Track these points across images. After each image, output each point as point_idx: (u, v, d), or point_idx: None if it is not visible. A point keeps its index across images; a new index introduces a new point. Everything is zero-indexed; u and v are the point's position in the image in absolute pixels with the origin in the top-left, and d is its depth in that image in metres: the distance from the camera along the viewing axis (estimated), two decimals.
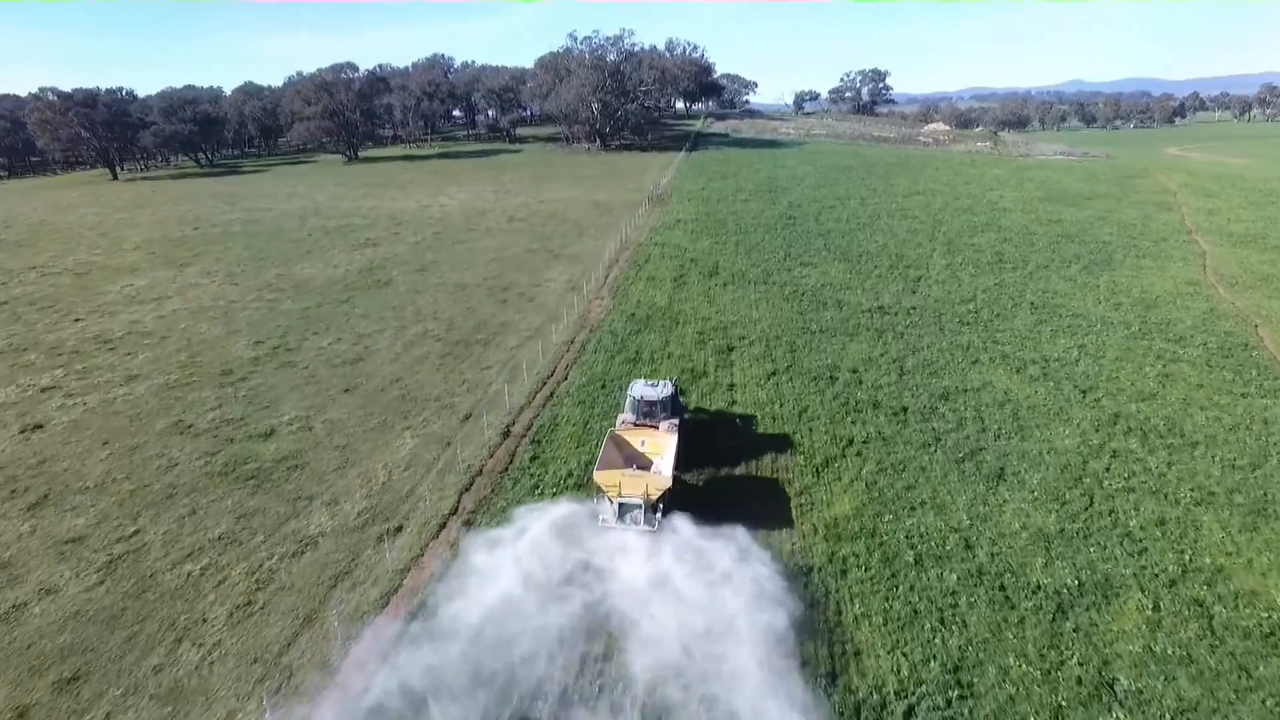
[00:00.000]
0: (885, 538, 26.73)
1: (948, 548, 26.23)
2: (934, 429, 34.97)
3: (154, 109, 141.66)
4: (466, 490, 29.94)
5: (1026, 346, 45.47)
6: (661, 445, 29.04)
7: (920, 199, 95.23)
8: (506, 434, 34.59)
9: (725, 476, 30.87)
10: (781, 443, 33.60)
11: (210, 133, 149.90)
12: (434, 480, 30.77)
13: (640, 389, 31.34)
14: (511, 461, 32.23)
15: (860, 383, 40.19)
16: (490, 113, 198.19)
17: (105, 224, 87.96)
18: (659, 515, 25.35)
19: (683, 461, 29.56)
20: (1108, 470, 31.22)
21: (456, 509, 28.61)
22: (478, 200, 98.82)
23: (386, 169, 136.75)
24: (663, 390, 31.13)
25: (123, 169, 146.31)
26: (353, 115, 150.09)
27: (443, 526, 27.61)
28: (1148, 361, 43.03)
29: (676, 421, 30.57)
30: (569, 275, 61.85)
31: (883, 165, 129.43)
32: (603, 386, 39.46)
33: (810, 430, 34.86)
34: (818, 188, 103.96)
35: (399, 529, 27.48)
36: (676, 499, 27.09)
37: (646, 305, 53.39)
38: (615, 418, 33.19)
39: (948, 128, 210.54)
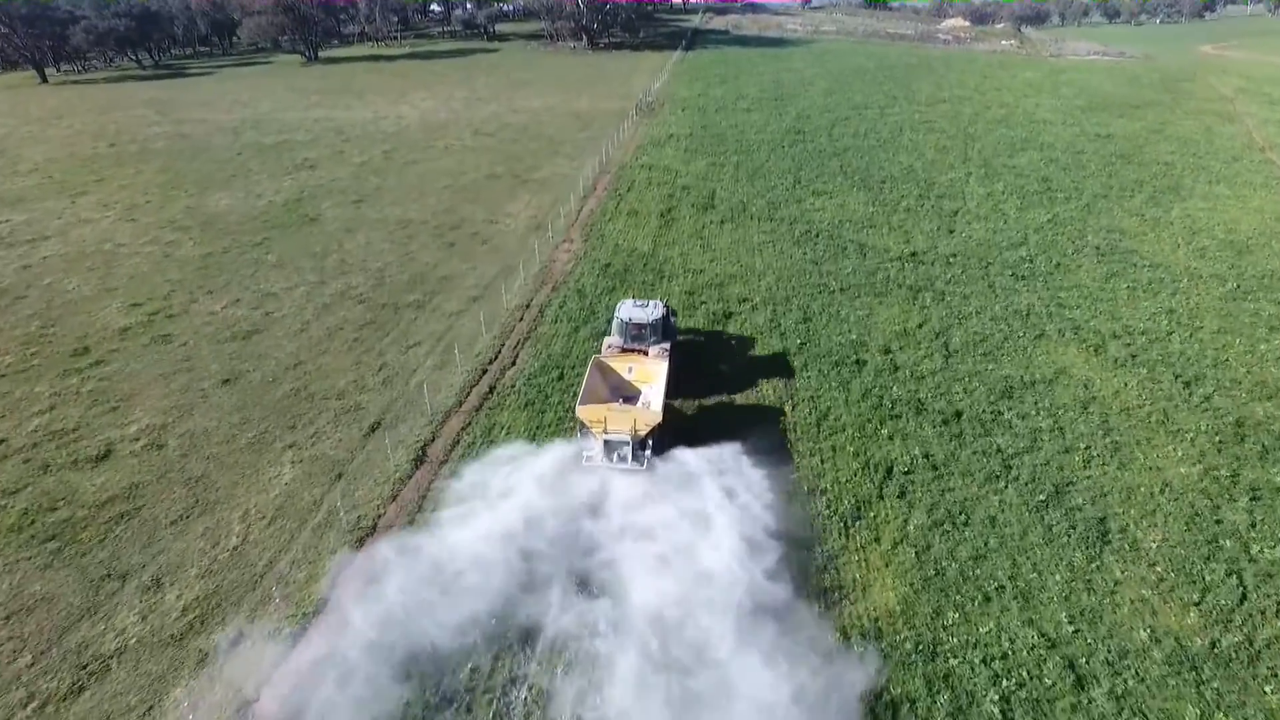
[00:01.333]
0: (954, 665, 17.83)
1: (1047, 683, 17.40)
2: (999, 449, 25.71)
3: (85, 2, 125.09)
4: (345, 564, 20.88)
5: (1101, 312, 35.64)
6: (651, 373, 26.51)
7: (946, 108, 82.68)
8: (420, 460, 25.28)
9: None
10: (795, 477, 24.42)
11: (151, 30, 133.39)
12: (305, 543, 21.68)
13: (628, 310, 28.51)
14: (420, 507, 23.06)
15: (895, 370, 30.66)
16: (468, 6, 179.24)
17: (9, 139, 75.71)
18: (648, 453, 23.01)
19: (674, 388, 26.79)
20: (1252, 526, 22.16)
21: (321, 608, 19.58)
22: (442, 109, 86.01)
23: (347, 71, 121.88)
24: (653, 312, 28.36)
25: (57, 70, 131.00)
26: (310, 9, 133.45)
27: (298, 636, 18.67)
28: (1259, 334, 33.38)
29: (668, 346, 28.02)
30: (535, 208, 51.10)
31: (901, 67, 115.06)
32: (560, 376, 29.90)
33: (834, 451, 25.59)
34: (829, 94, 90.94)
35: (237, 640, 18.54)
36: (668, 432, 24.06)
37: (625, 252, 43.07)
38: (598, 350, 29.07)
39: (967, 24, 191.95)
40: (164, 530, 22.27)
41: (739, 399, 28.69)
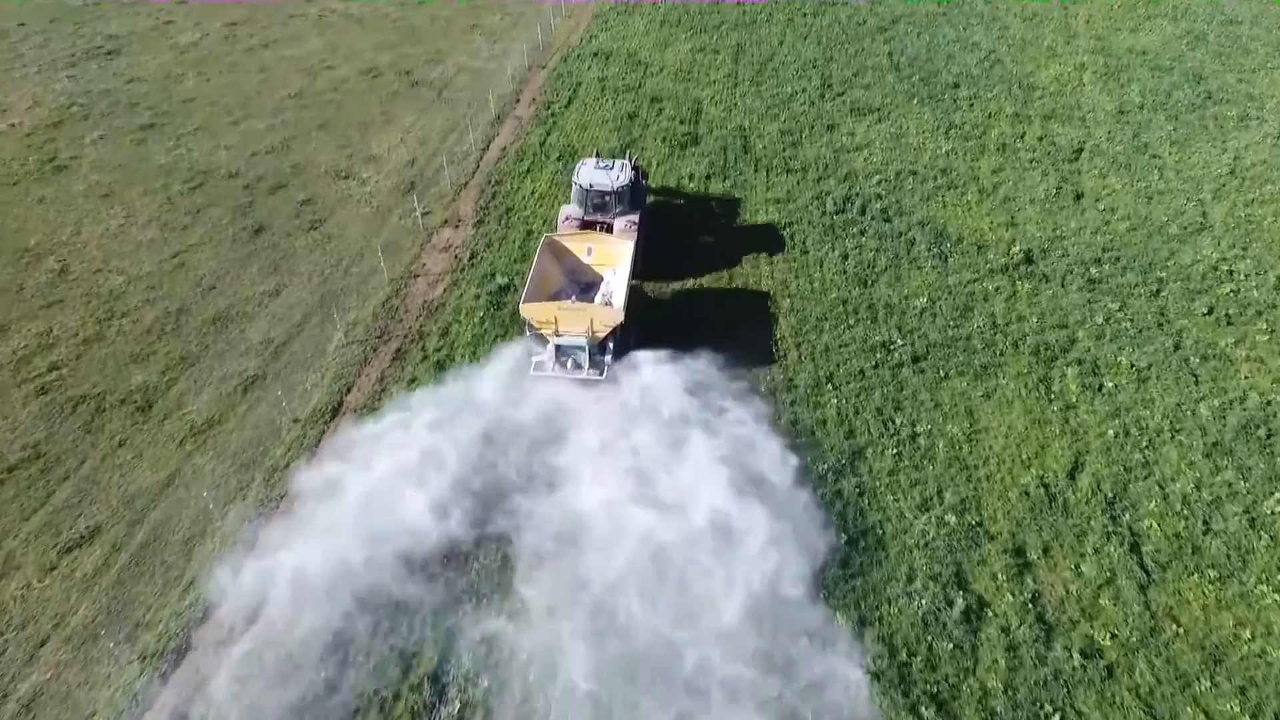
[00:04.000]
0: None
1: None
2: None
3: None
4: None
5: None
6: (614, 254, 21.92)
7: None
8: None
9: None
10: None
11: None
12: None
13: (589, 174, 23.58)
14: None
15: (1039, 625, 14.56)
16: None
17: None
18: (608, 358, 19.33)
19: (642, 267, 22.42)
20: None
21: None
22: None
23: None
24: (619, 175, 23.49)
25: None
26: None
27: None
28: None
29: (636, 219, 23.28)
30: (416, 143, 32.18)
31: None
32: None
33: None
34: None
35: None
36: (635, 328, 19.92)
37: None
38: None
39: None
40: None
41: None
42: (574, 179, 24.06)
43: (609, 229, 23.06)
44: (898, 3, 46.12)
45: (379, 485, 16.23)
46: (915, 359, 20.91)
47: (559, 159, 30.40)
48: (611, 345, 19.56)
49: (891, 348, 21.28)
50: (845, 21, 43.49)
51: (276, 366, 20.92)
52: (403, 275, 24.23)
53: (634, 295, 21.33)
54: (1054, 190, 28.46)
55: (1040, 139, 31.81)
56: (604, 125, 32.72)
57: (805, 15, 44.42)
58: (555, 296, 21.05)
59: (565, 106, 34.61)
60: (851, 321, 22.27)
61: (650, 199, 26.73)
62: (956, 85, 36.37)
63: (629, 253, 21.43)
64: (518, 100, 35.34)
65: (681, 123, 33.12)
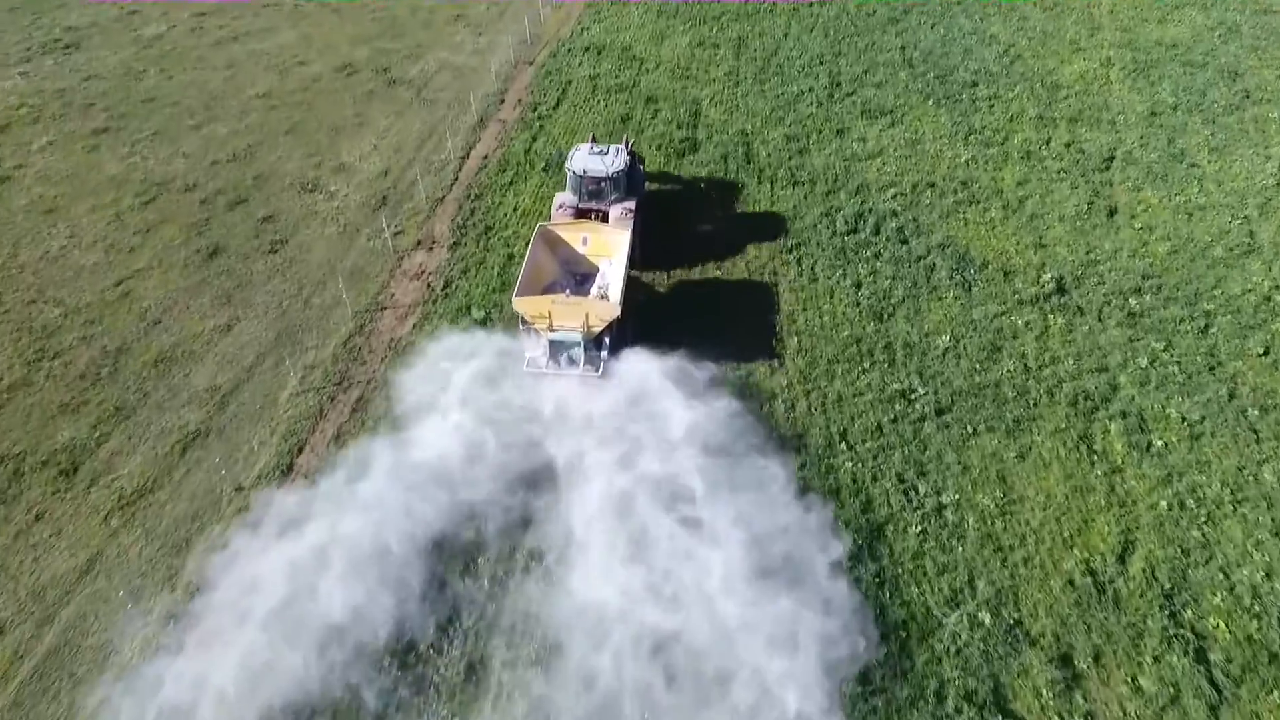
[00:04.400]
0: None
1: None
2: None
3: None
4: None
5: None
6: (611, 243, 21.10)
7: None
8: None
9: None
10: None
11: None
12: None
13: (583, 160, 22.52)
14: None
15: None
16: None
17: None
18: (604, 354, 18.42)
19: (640, 255, 21.75)
20: None
21: None
22: None
23: None
24: (614, 160, 22.40)
25: None
26: None
27: None
28: None
29: (632, 206, 22.34)
30: (392, 149, 29.54)
31: None
32: None
33: None
34: None
35: None
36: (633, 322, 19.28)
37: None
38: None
39: None
40: None
41: None
42: (567, 165, 22.94)
43: (605, 217, 22.16)
44: None
45: (305, 572, 13.95)
46: (939, 411, 18.52)
47: (545, 169, 27.80)
48: (608, 340, 18.69)
49: (912, 397, 18.88)
50: (854, 12, 40.55)
51: (221, 420, 18.52)
52: (369, 308, 21.75)
53: (632, 286, 20.51)
54: (1085, 205, 25.90)
55: (1067, 145, 29.17)
56: (595, 129, 30.01)
57: (811, 4, 41.47)
58: (549, 288, 20.14)
59: (553, 108, 31.89)
60: (866, 364, 19.84)
61: (649, 185, 25.69)
62: (975, 84, 33.62)
63: (626, 242, 20.58)
64: (502, 101, 32.60)
65: (679, 127, 30.47)
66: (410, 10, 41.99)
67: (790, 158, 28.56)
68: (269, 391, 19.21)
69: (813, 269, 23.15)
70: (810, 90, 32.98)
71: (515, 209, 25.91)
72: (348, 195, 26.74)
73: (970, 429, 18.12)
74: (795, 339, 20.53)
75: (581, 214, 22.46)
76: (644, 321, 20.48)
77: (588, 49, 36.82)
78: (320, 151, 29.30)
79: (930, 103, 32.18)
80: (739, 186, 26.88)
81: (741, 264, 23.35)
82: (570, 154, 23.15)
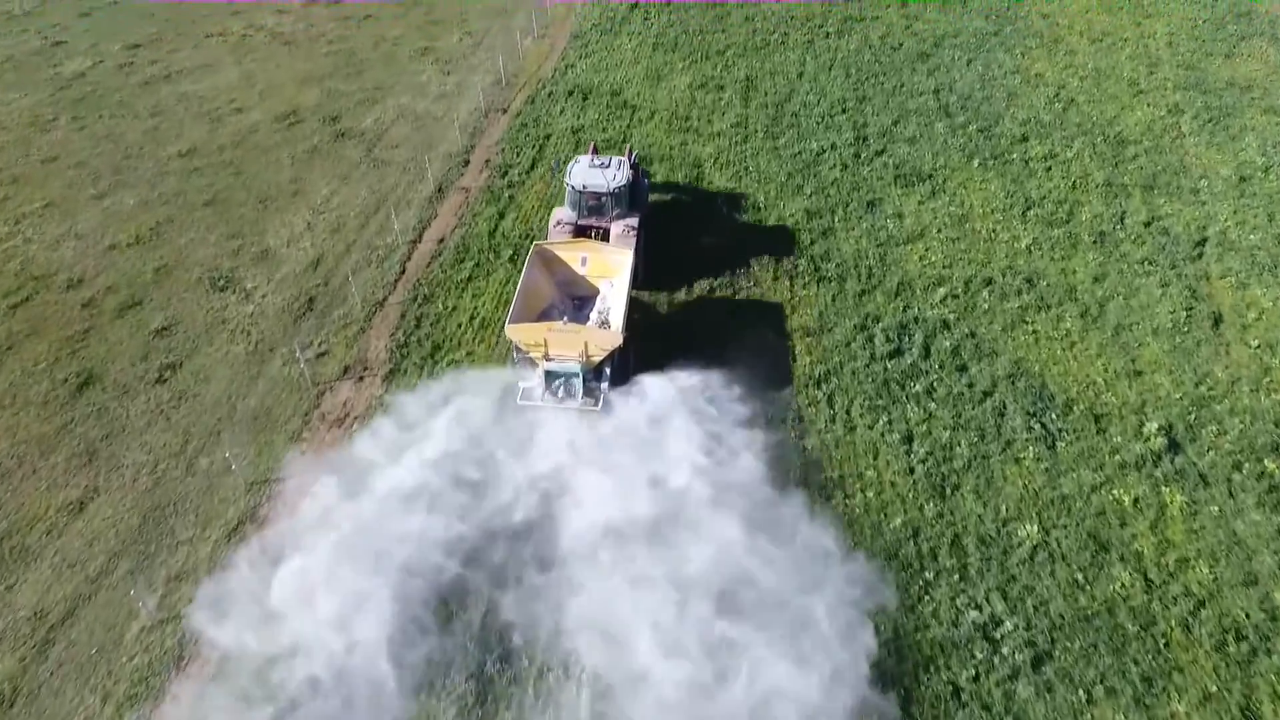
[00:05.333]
0: None
1: None
2: None
3: None
4: None
5: None
6: (613, 264, 19.40)
7: None
8: None
9: None
10: None
11: None
12: None
13: (582, 174, 20.86)
14: None
15: None
16: None
17: None
18: (604, 385, 16.91)
19: (642, 274, 19.99)
20: None
21: None
22: None
23: None
24: (616, 174, 20.62)
25: None
26: None
27: None
28: None
29: (635, 223, 20.51)
30: (329, 227, 24.07)
31: None
32: None
33: None
34: None
35: None
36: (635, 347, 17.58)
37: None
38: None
39: None
40: None
41: None
42: (566, 179, 21.20)
43: (605, 234, 20.61)
44: (939, 18, 37.60)
45: None
46: (1036, 660, 13.16)
47: (513, 258, 22.41)
48: (608, 370, 17.27)
49: (996, 635, 13.52)
50: (877, 45, 35.06)
51: (39, 674, 13.15)
52: (267, 478, 16.36)
53: (633, 309, 18.79)
54: (1182, 312, 20.51)
55: (1147, 224, 23.77)
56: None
57: (828, 36, 35.97)
58: (546, 312, 18.84)
59: (527, 172, 26.47)
60: (930, 574, 14.48)
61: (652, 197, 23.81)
62: (1025, 137, 28.21)
63: (628, 263, 18.99)
64: (466, 163, 27.14)
65: (676, 191, 25.08)
66: (372, 42, 36.49)
67: (813, 241, 23.15)
68: (114, 622, 13.85)
69: (848, 412, 17.77)
70: (833, 147, 27.55)
71: (473, 317, 20.52)
72: (266, 296, 21.32)
73: (1084, 694, 12.78)
74: (830, 532, 15.11)
75: (580, 231, 20.77)
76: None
77: (571, 92, 31.37)
78: (242, 232, 23.88)
79: (975, 164, 26.78)
80: (750, 277, 21.52)
81: (757, 401, 17.89)
82: (570, 166, 21.35)
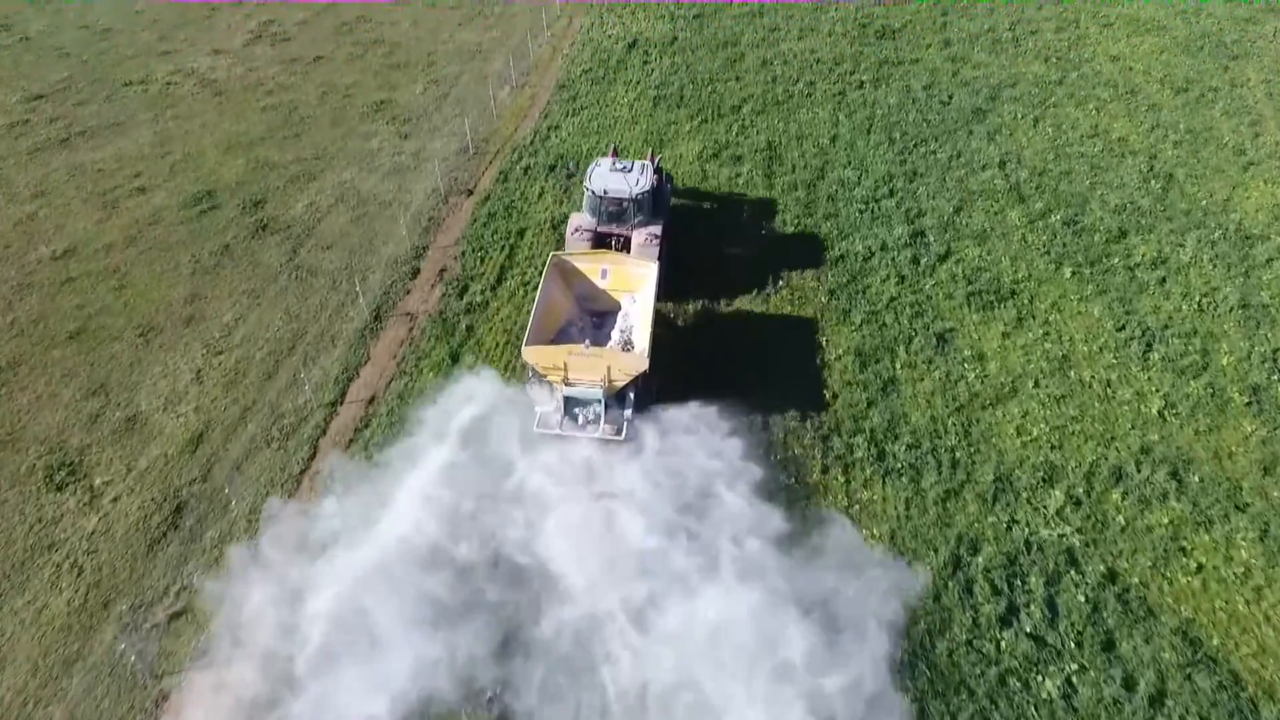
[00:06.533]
0: None
1: None
2: None
3: None
4: None
5: None
6: (635, 276, 17.98)
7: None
8: None
9: None
10: None
11: None
12: None
13: (603, 178, 19.61)
14: None
15: None
16: None
17: None
18: (628, 412, 15.40)
19: (664, 288, 17.89)
20: None
21: None
22: None
23: None
24: (639, 179, 19.53)
25: None
26: None
27: None
28: None
29: (658, 231, 19.38)
30: (221, 381, 17.75)
31: None
32: None
33: None
34: None
35: None
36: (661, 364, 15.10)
37: None
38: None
39: None
40: None
41: None
42: (585, 183, 20.01)
43: (626, 242, 19.37)
44: (989, 60, 31.31)
45: None
46: None
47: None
48: (632, 396, 15.51)
49: None
50: (922, 99, 28.77)
51: None
52: None
53: (656, 323, 16.63)
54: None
55: (1272, 358, 17.57)
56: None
57: (861, 86, 29.67)
58: (564, 329, 17.42)
59: (492, 288, 20.19)
60: None
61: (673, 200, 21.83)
62: (1123, 233, 22.03)
63: (652, 276, 17.51)
64: (416, 272, 20.85)
65: (684, 330, 18.83)
66: (319, 93, 30.16)
67: (871, 403, 16.92)
68: None
69: (948, 703, 11.55)
70: (883, 248, 21.33)
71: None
72: (119, 501, 15.06)
73: None
74: None
75: (600, 239, 19.64)
76: None
77: (554, 166, 25.07)
78: (109, 385, 17.61)
79: (1067, 273, 20.59)
80: (794, 466, 15.30)
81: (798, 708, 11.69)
82: (590, 169, 20.12)
